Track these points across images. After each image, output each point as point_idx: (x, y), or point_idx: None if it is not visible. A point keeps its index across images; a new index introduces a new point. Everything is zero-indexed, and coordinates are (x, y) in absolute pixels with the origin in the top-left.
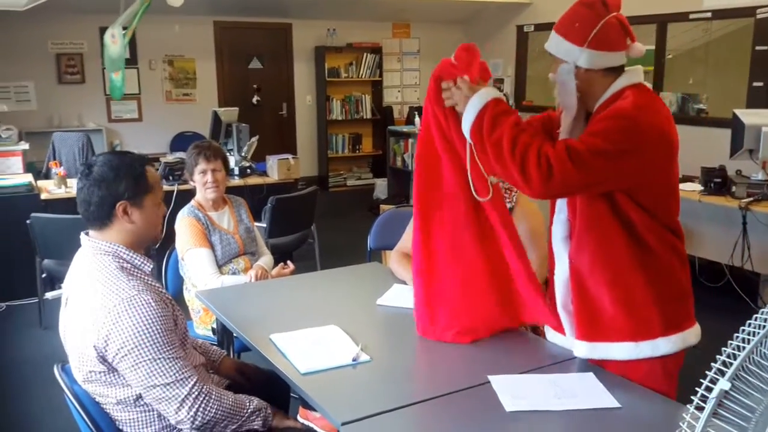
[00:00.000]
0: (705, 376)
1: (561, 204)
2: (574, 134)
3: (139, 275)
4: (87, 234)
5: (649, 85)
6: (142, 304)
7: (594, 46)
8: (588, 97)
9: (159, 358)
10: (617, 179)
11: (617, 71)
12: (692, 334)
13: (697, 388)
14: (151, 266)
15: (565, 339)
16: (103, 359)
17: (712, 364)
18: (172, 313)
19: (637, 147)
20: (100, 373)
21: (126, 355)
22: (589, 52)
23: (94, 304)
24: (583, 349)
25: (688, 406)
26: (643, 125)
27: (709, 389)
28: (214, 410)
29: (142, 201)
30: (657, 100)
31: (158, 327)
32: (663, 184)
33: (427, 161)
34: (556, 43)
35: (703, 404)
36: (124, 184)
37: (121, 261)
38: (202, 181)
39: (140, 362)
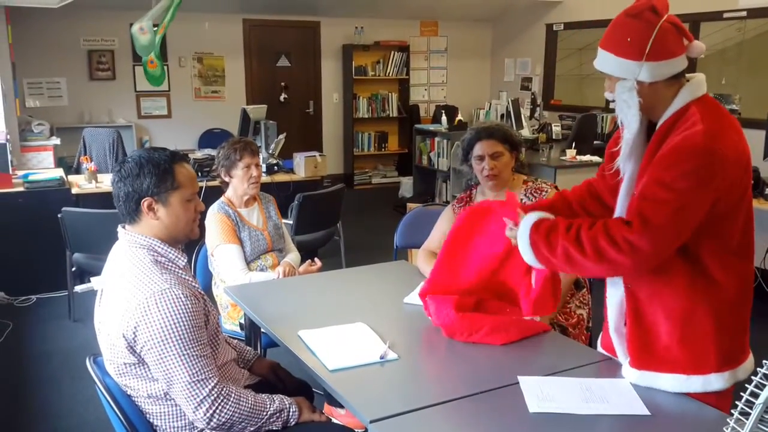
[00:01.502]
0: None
1: None
2: (635, 151)
3: (173, 269)
4: (123, 227)
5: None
6: (173, 299)
7: (653, 57)
8: (653, 110)
9: (184, 354)
10: (702, 218)
11: (680, 77)
12: (743, 370)
13: (741, 393)
14: (185, 260)
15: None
16: (132, 350)
17: (758, 369)
18: (204, 309)
19: (715, 181)
20: (132, 365)
21: (152, 347)
22: (649, 64)
23: (127, 295)
24: (633, 376)
25: (732, 411)
26: (719, 155)
27: (754, 394)
28: (230, 413)
29: (167, 198)
30: (725, 116)
31: (187, 323)
32: (737, 206)
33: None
34: (608, 61)
35: (747, 410)
36: (148, 180)
37: (155, 254)
38: (246, 175)
39: (165, 356)
